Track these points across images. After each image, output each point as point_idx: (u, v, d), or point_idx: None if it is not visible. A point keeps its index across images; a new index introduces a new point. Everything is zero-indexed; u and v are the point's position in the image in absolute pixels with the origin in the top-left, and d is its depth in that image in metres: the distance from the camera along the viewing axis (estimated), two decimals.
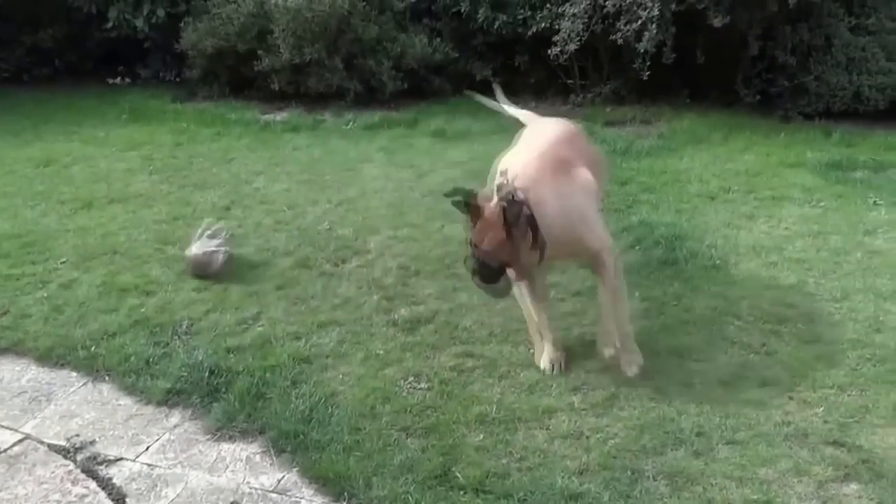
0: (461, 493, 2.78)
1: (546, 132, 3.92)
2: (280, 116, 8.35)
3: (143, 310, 4.07)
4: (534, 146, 3.70)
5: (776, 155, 6.43)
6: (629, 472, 2.86)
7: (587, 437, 3.07)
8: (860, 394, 3.30)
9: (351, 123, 8.00)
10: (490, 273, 3.25)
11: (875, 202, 5.43)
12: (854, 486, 2.79)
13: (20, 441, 3.08)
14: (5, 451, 3.02)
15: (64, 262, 4.65)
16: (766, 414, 3.19)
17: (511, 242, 3.14)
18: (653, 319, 3.95)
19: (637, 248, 4.76)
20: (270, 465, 2.97)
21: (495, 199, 3.18)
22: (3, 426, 3.18)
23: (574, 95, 8.72)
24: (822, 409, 3.21)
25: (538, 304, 3.61)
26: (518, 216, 3.11)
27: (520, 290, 3.62)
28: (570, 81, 8.77)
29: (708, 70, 7.94)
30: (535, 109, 8.54)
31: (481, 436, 3.08)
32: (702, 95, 8.38)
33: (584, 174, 3.51)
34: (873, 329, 3.81)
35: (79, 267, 4.58)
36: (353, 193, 5.88)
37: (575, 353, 3.65)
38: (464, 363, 3.58)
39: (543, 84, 9.00)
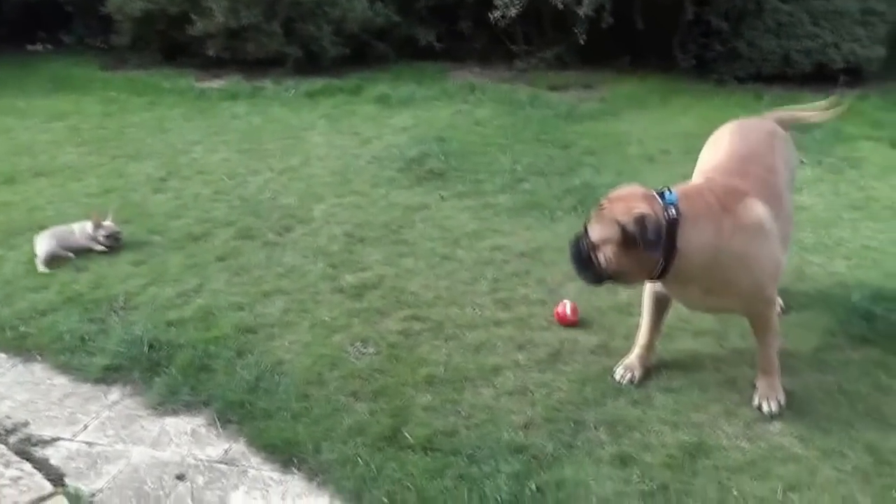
0: (411, 452, 2.78)
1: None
2: (217, 84, 8.14)
3: (75, 286, 3.93)
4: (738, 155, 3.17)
5: (712, 117, 6.45)
6: (572, 424, 2.92)
7: (532, 393, 3.11)
8: (785, 340, 3.40)
9: (292, 91, 7.85)
10: (578, 258, 2.92)
11: (801, 161, 5.59)
12: (778, 425, 2.92)
13: None
14: None
15: None
16: (699, 362, 3.31)
17: (621, 250, 2.73)
18: None
19: (579, 209, 4.79)
20: (217, 436, 2.92)
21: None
22: None
23: (518, 61, 8.74)
24: (750, 355, 3.31)
25: (654, 311, 3.18)
26: (645, 236, 2.65)
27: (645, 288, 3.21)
28: (514, 47, 8.77)
29: (647, 36, 8.06)
30: (479, 75, 8.59)
31: (429, 396, 3.09)
32: (642, 61, 8.49)
33: (760, 208, 2.83)
34: (797, 279, 3.96)
35: (3, 244, 4.39)
36: (296, 162, 5.79)
37: (523, 313, 3.68)
38: (411, 327, 3.58)
39: (488, 50, 9.00)
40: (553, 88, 8.02)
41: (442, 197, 5.10)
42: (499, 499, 2.54)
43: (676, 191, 2.80)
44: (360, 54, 8.76)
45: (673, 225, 2.68)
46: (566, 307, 3.60)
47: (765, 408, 2.98)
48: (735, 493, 2.60)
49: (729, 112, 6.62)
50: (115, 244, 4.28)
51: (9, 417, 3.01)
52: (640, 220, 2.64)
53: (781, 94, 7.40)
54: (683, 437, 2.85)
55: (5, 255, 4.26)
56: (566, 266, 4.00)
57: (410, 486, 2.61)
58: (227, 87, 7.96)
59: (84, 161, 5.75)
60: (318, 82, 8.11)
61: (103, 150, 6.00)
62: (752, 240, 2.79)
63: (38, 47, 9.21)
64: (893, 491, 2.59)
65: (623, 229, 2.66)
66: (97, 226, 4.25)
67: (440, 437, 2.86)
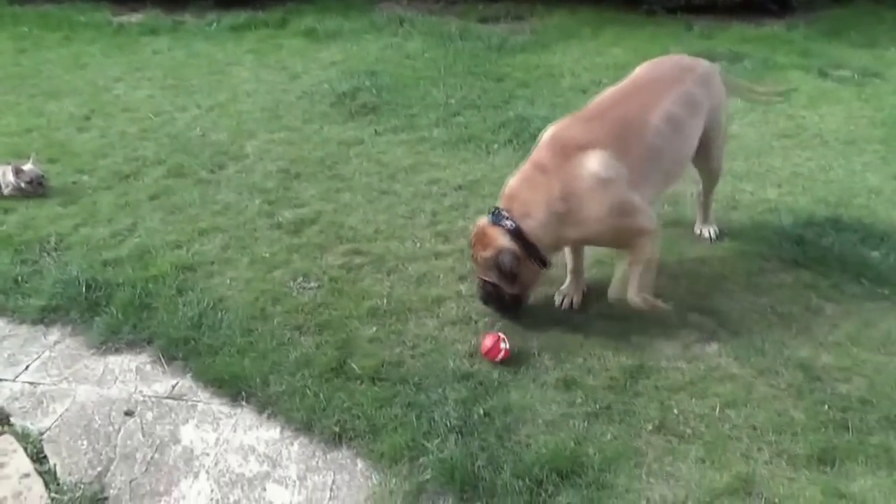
0: (358, 382, 2.86)
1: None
2: (135, 18, 7.77)
3: (2, 228, 3.82)
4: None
5: (643, 48, 6.63)
6: (516, 350, 3.02)
7: (475, 322, 3.21)
8: (719, 265, 3.60)
9: (214, 24, 7.57)
10: (494, 301, 3.19)
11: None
12: (715, 346, 3.09)
13: None
14: None
15: None
16: None
17: (511, 284, 3.07)
18: None
19: (514, 141, 4.85)
20: (162, 372, 2.94)
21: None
22: None
23: None
24: (686, 280, 3.49)
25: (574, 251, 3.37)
26: (509, 270, 2.99)
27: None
28: None
29: None
30: (408, 8, 8.45)
31: (374, 328, 3.16)
32: None
33: (592, 161, 2.95)
34: (730, 207, 4.13)
35: None
36: (224, 98, 5.64)
37: (463, 245, 3.72)
38: (352, 261, 3.62)
39: None
40: (483, 21, 7.96)
41: (376, 131, 5.08)
42: (448, 424, 2.64)
43: (504, 195, 3.08)
44: None
45: (517, 232, 2.97)
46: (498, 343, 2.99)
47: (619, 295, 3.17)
48: (675, 411, 2.75)
49: (659, 43, 6.77)
50: (39, 189, 4.13)
51: None
52: (495, 260, 3.00)
53: (711, 24, 7.52)
54: (624, 359, 3.00)
55: None
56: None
57: (360, 415, 2.69)
58: (145, 22, 7.60)
59: (0, 100, 5.45)
60: (240, 15, 7.83)
61: (20, 87, 5.71)
62: (586, 195, 2.94)
63: None
64: (825, 405, 2.76)
65: (499, 268, 3.01)
66: (17, 172, 4.08)
67: (387, 367, 2.94)
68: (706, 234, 3.84)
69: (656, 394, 2.83)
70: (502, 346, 2.95)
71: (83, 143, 4.81)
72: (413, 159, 4.68)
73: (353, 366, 2.93)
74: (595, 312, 3.27)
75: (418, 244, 3.76)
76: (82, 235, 3.76)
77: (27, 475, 2.45)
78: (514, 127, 5.08)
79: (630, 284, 3.13)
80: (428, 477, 2.46)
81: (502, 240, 2.98)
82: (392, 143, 4.93)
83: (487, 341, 2.97)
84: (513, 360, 2.97)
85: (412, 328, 3.17)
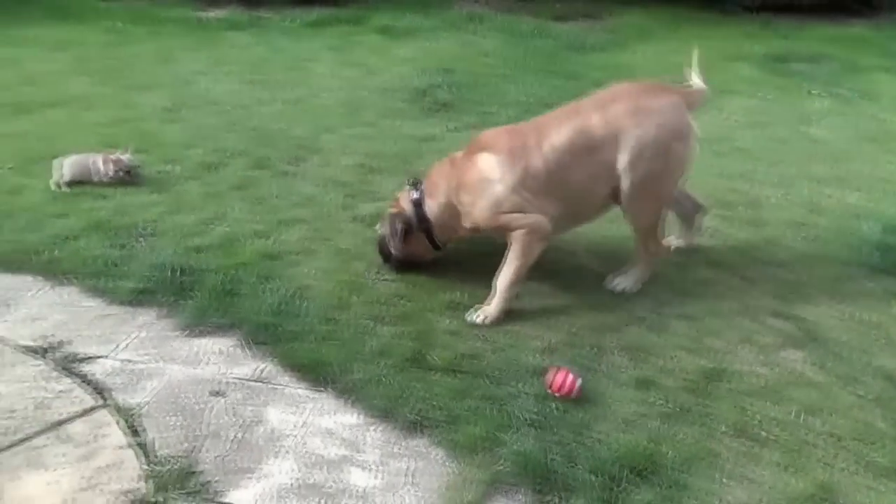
0: (435, 373, 2.91)
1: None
2: (217, 14, 8.03)
3: (99, 213, 4.00)
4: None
5: (720, 48, 6.53)
6: (593, 349, 3.04)
7: (552, 319, 3.23)
8: (801, 270, 3.53)
9: (294, 20, 7.75)
10: (380, 252, 3.55)
11: (811, 92, 5.63)
12: (795, 352, 3.04)
13: None
14: None
15: (10, 168, 4.50)
16: (715, 291, 3.42)
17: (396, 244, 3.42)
18: None
19: None
20: (247, 356, 3.03)
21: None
22: None
23: None
24: (766, 285, 3.43)
25: None
26: (396, 231, 3.38)
27: None
28: None
29: None
30: (484, 5, 8.47)
31: (451, 321, 3.20)
32: None
33: (483, 162, 3.25)
34: (812, 211, 4.05)
35: (22, 172, 4.44)
36: (304, 93, 5.78)
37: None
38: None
39: None
40: (558, 19, 7.96)
41: (450, 128, 5.13)
42: (524, 418, 2.66)
43: (428, 173, 3.47)
44: None
45: (418, 203, 3.36)
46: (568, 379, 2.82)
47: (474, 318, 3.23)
48: (753, 415, 2.72)
49: (737, 43, 6.65)
50: (131, 178, 4.32)
51: (51, 335, 3.11)
52: (390, 220, 3.41)
53: (791, 23, 7.34)
54: (701, 362, 2.97)
55: (27, 184, 4.30)
56: None
57: (438, 405, 2.73)
58: (227, 17, 7.85)
59: (93, 91, 5.73)
60: (320, 12, 8.01)
61: (111, 80, 5.98)
62: (472, 189, 3.26)
63: None
64: None
65: (391, 226, 3.39)
66: (115, 162, 4.28)
67: (464, 359, 2.98)
68: (613, 285, 3.46)
69: (734, 397, 2.80)
70: (577, 383, 2.77)
71: (170, 135, 5.01)
72: None
73: (431, 357, 2.98)
74: (672, 313, 3.25)
75: (494, 239, 3.78)
76: (172, 223, 3.93)
77: (123, 447, 2.57)
78: None
79: (500, 274, 3.27)
80: (504, 468, 2.48)
81: (405, 204, 3.41)
82: (466, 139, 4.91)
83: (557, 377, 2.78)
84: (589, 358, 2.97)
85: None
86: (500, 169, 3.21)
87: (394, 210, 3.44)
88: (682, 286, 3.42)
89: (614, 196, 3.29)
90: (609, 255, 3.62)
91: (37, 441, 2.58)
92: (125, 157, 4.30)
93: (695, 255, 3.64)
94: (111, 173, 4.26)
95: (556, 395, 2.77)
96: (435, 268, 3.56)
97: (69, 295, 3.39)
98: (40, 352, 3.02)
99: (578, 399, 2.76)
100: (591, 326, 3.16)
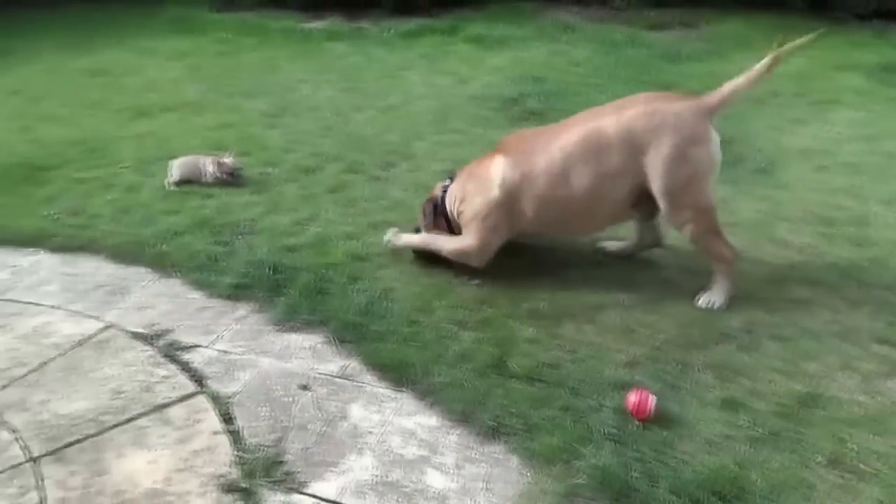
0: (515, 381, 2.92)
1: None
2: (319, 25, 8.33)
3: (204, 211, 4.25)
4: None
5: (827, 58, 6.27)
6: (677, 365, 2.97)
7: (636, 332, 3.18)
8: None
9: (390, 31, 7.95)
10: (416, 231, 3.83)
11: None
12: None
13: (104, 329, 3.31)
14: (92, 337, 3.25)
15: (126, 167, 4.85)
16: (813, 312, 3.26)
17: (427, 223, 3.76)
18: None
19: None
20: (334, 353, 3.14)
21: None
22: (88, 315, 3.40)
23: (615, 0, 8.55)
24: (869, 308, 3.27)
25: None
26: (427, 212, 3.73)
27: None
28: None
29: None
30: (575, 15, 8.44)
31: (533, 329, 3.21)
32: None
33: (496, 160, 3.48)
34: None
35: (140, 171, 4.78)
36: (397, 100, 5.93)
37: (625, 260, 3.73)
38: (514, 262, 3.69)
39: None
40: (652, 28, 7.83)
41: None
42: (604, 431, 2.63)
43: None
44: None
45: (444, 191, 3.66)
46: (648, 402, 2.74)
47: None
48: (851, 446, 2.57)
49: (846, 52, 6.36)
50: (235, 180, 4.54)
51: (156, 324, 3.33)
52: (425, 202, 3.76)
53: None
54: (795, 386, 2.85)
55: (143, 182, 4.62)
56: None
57: (516, 413, 2.75)
58: (329, 28, 8.14)
59: (204, 98, 6.08)
60: (414, 23, 8.19)
61: (220, 87, 6.32)
62: (476, 183, 3.50)
63: None
64: None
65: (423, 207, 3.77)
66: (220, 165, 4.52)
67: (544, 368, 2.98)
68: (701, 303, 3.37)
69: (830, 425, 2.65)
70: (650, 405, 2.71)
71: (272, 139, 5.25)
72: None
73: (511, 364, 3.00)
74: (765, 333, 3.14)
75: (580, 249, 3.78)
76: (269, 222, 4.11)
77: (217, 433, 2.72)
78: None
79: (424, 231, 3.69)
80: (581, 481, 2.46)
81: (437, 191, 3.73)
82: None
83: (633, 398, 2.73)
84: (674, 374, 2.92)
85: (571, 333, 3.20)
86: (503, 172, 3.41)
87: (430, 195, 3.76)
88: (776, 305, 3.30)
89: (634, 203, 3.30)
90: (700, 271, 3.54)
91: (141, 422, 2.76)
92: (229, 160, 4.53)
93: (792, 273, 3.52)
94: (217, 175, 4.51)
95: (633, 415, 2.72)
96: (517, 275, 3.59)
97: (175, 286, 3.62)
98: (148, 338, 3.24)
99: (659, 416, 2.71)
100: (676, 342, 3.11)
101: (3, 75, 7.01)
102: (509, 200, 3.42)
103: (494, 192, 3.43)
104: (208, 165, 4.52)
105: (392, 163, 4.83)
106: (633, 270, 3.60)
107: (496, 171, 3.44)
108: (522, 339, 3.17)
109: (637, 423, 2.69)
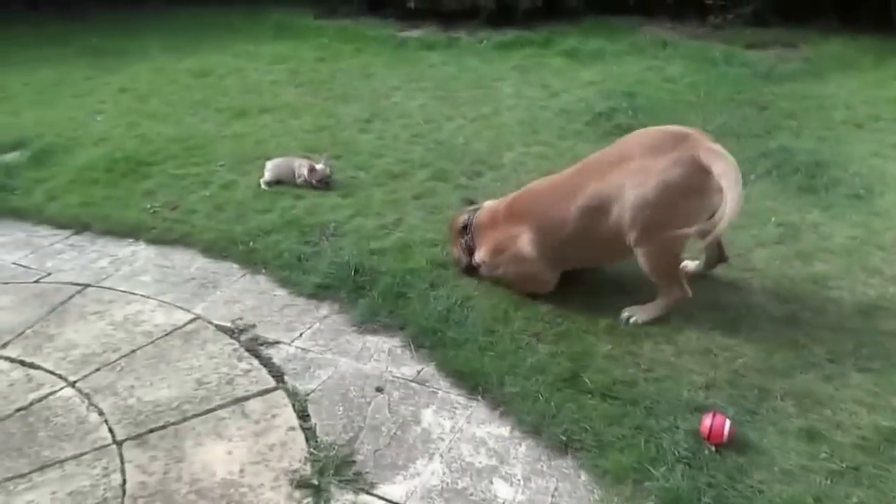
0: (589, 396, 2.90)
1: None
2: (416, 34, 8.48)
3: (294, 211, 4.40)
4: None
5: None
6: (756, 391, 2.89)
7: (715, 355, 3.11)
8: None
9: (484, 42, 8.02)
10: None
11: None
12: None
13: (192, 320, 3.47)
14: (181, 327, 3.42)
15: (223, 165, 5.08)
16: None
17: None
18: (788, 245, 3.89)
19: (774, 173, 4.61)
20: (410, 357, 3.20)
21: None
22: (177, 306, 3.59)
23: (712, 16, 8.37)
24: None
25: None
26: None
27: None
28: (708, 1, 8.39)
29: None
30: (671, 31, 8.30)
31: (609, 346, 3.19)
32: (851, 19, 7.79)
33: (523, 237, 3.51)
34: None
35: (236, 170, 4.99)
36: (487, 110, 5.97)
37: (705, 276, 3.65)
38: (594, 277, 3.67)
39: (681, 4, 8.68)
40: (750, 46, 7.61)
41: None
42: (676, 453, 2.59)
43: (485, 207, 3.80)
44: (551, 7, 8.77)
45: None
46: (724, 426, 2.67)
47: None
48: None
49: None
50: (325, 187, 4.68)
51: (241, 319, 3.48)
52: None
53: None
54: (881, 420, 2.73)
55: (238, 180, 4.84)
56: (756, 230, 3.96)
57: (588, 429, 2.73)
58: (424, 37, 8.28)
59: (301, 101, 6.30)
60: (509, 34, 8.23)
61: (317, 91, 6.53)
62: (512, 264, 3.56)
63: None
64: None
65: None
66: (311, 170, 4.67)
67: (619, 385, 2.95)
68: (625, 316, 3.40)
69: None
70: (726, 430, 2.64)
71: (363, 143, 5.39)
72: None
73: (586, 379, 2.98)
74: (852, 364, 3.01)
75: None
76: (355, 225, 4.22)
77: (293, 429, 2.82)
78: (775, 158, 4.83)
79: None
80: (651, 503, 2.43)
81: (462, 221, 3.77)
82: None
83: (707, 422, 2.67)
84: (752, 400, 2.84)
85: (648, 351, 3.15)
86: (531, 247, 3.46)
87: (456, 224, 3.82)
88: (865, 336, 3.16)
89: None
90: (790, 298, 3.44)
91: (221, 413, 2.88)
92: (322, 167, 4.67)
93: (883, 304, 3.36)
94: (309, 181, 4.65)
95: (708, 439, 2.66)
96: (597, 291, 3.56)
97: (262, 283, 3.77)
98: (233, 332, 3.38)
99: (734, 442, 2.64)
100: (756, 367, 3.02)
101: (114, 74, 7.45)
102: (544, 262, 3.48)
103: (531, 266, 3.50)
104: (302, 169, 4.67)
105: (479, 172, 4.88)
106: (717, 292, 3.52)
107: (525, 247, 3.49)
108: (599, 354, 3.14)
109: (711, 447, 2.63)
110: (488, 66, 7.25)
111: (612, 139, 5.23)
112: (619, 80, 6.66)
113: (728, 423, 2.65)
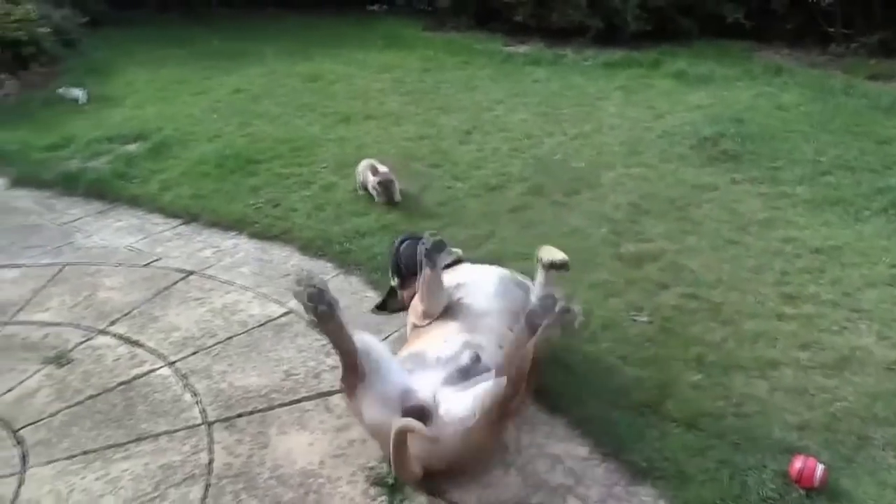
0: (673, 424, 2.82)
1: None
2: (522, 49, 8.53)
3: (389, 216, 4.50)
4: None
5: None
6: (854, 437, 2.74)
7: (812, 396, 2.96)
8: None
9: (591, 60, 7.98)
10: None
11: None
12: None
13: (285, 314, 3.60)
14: (274, 320, 3.55)
15: (325, 167, 5.25)
16: None
17: None
18: None
19: (890, 211, 4.38)
20: None
21: None
22: (272, 300, 3.72)
23: (835, 45, 8.01)
24: None
25: None
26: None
27: None
28: (831, 29, 8.03)
29: None
30: (788, 57, 8.00)
31: (698, 376, 3.09)
32: None
33: None
34: None
35: (337, 172, 5.15)
36: (589, 128, 5.93)
37: (811, 312, 3.48)
38: (687, 304, 3.57)
39: (801, 30, 8.37)
40: (873, 77, 7.22)
41: (734, 180, 4.94)
42: (762, 493, 2.49)
43: None
44: (660, 28, 8.60)
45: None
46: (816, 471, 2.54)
47: None
48: None
49: None
50: (386, 193, 4.58)
51: None
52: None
53: None
54: None
55: (338, 183, 4.99)
56: (866, 270, 3.76)
57: (669, 458, 2.65)
58: (530, 53, 8.31)
59: (404, 109, 6.45)
60: (616, 54, 8.15)
61: (420, 101, 6.67)
62: None
63: (376, 7, 10.57)
64: None
65: None
66: (374, 171, 4.64)
67: (705, 417, 2.85)
68: None
69: None
70: (818, 475, 2.51)
71: (462, 155, 5.45)
72: (769, 213, 4.46)
73: (670, 407, 2.90)
74: None
75: (760, 301, 3.59)
76: (448, 234, 4.17)
77: None
78: (891, 195, 4.57)
79: None
80: None
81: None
82: (749, 193, 4.75)
83: (799, 463, 2.55)
84: (848, 446, 2.70)
85: (738, 385, 3.04)
86: None
87: None
88: None
89: None
90: None
91: (306, 405, 2.97)
92: (384, 168, 4.63)
93: None
94: (373, 179, 4.61)
95: (797, 483, 2.53)
96: (691, 319, 3.46)
97: (354, 284, 3.86)
98: None
99: (826, 489, 2.51)
100: (856, 413, 2.85)
101: (230, 75, 7.82)
102: None
103: None
104: (367, 172, 4.64)
105: (575, 190, 4.84)
106: (820, 330, 3.36)
107: None
108: (686, 383, 3.05)
109: (801, 490, 2.51)
110: (593, 84, 7.19)
111: (718, 165, 5.15)
112: (729, 105, 6.47)
113: (821, 467, 2.53)
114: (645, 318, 3.48)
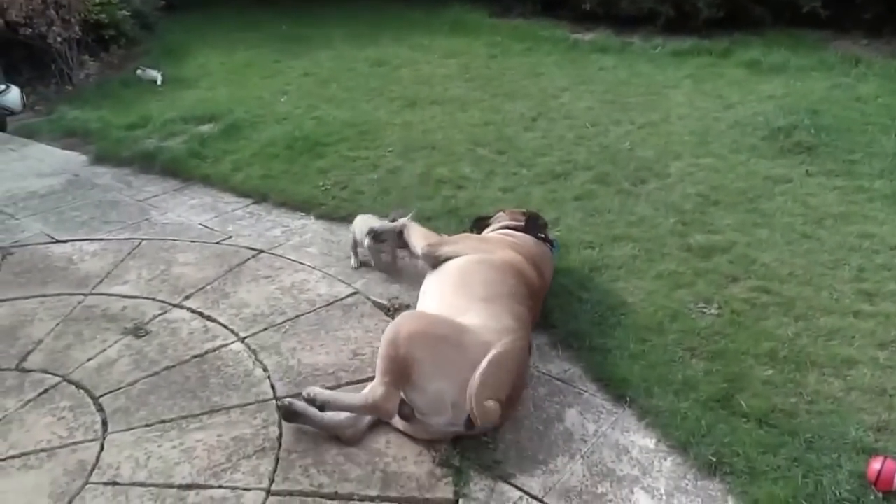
0: (743, 420, 2.77)
1: None
2: (588, 37, 8.41)
3: (454, 201, 4.51)
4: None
5: None
6: None
7: (891, 396, 2.86)
8: None
9: (659, 48, 7.83)
10: None
11: None
12: None
13: (352, 294, 3.65)
14: (341, 300, 3.60)
15: (391, 151, 5.29)
16: None
17: None
18: None
19: None
20: (556, 356, 3.19)
21: None
22: (339, 280, 3.78)
23: None
24: None
25: None
26: None
27: None
28: None
29: None
30: (866, 48, 7.69)
31: (770, 371, 3.02)
32: None
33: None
34: None
35: (403, 156, 5.19)
36: (657, 117, 5.83)
37: (890, 309, 3.37)
38: (758, 297, 3.49)
39: (881, 20, 8.01)
40: None
41: (808, 172, 4.79)
42: (837, 494, 2.43)
43: None
44: (733, 16, 8.36)
45: None
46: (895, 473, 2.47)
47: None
48: None
49: None
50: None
51: (395, 298, 3.61)
52: None
53: None
54: None
55: (403, 167, 5.04)
56: None
57: (740, 453, 2.61)
58: (597, 41, 8.20)
59: (470, 95, 6.45)
60: (686, 42, 7.97)
61: (486, 87, 6.65)
62: None
63: None
64: None
65: None
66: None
67: (778, 413, 2.79)
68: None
69: None
70: None
71: (527, 141, 5.42)
72: (845, 208, 4.32)
73: (741, 402, 2.84)
74: None
75: (835, 297, 3.48)
76: None
77: None
78: None
79: None
80: None
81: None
82: (824, 186, 4.60)
83: (877, 464, 2.48)
84: None
85: (812, 382, 2.96)
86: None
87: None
88: None
89: None
90: None
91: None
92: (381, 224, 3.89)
93: None
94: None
95: (874, 485, 2.46)
96: (763, 312, 3.38)
97: (419, 266, 3.86)
98: (388, 309, 3.51)
99: None
100: None
101: (299, 59, 7.95)
102: None
103: None
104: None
105: (643, 179, 4.77)
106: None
107: None
108: (757, 378, 2.99)
109: (878, 493, 2.43)
110: (661, 72, 7.06)
111: (792, 157, 5.01)
112: (803, 96, 6.27)
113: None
114: (714, 311, 3.41)
